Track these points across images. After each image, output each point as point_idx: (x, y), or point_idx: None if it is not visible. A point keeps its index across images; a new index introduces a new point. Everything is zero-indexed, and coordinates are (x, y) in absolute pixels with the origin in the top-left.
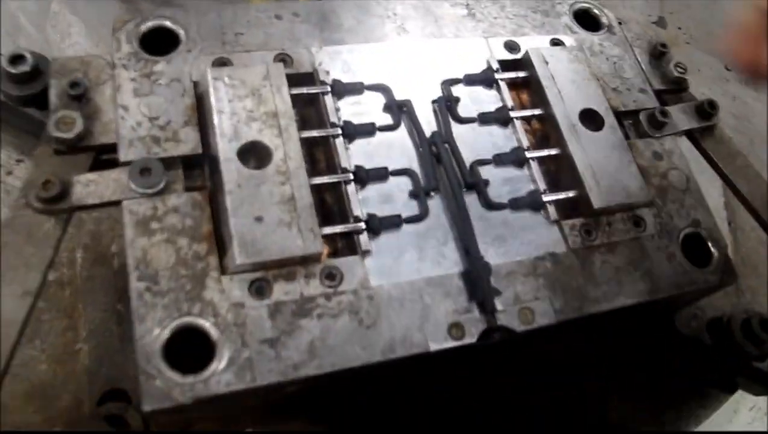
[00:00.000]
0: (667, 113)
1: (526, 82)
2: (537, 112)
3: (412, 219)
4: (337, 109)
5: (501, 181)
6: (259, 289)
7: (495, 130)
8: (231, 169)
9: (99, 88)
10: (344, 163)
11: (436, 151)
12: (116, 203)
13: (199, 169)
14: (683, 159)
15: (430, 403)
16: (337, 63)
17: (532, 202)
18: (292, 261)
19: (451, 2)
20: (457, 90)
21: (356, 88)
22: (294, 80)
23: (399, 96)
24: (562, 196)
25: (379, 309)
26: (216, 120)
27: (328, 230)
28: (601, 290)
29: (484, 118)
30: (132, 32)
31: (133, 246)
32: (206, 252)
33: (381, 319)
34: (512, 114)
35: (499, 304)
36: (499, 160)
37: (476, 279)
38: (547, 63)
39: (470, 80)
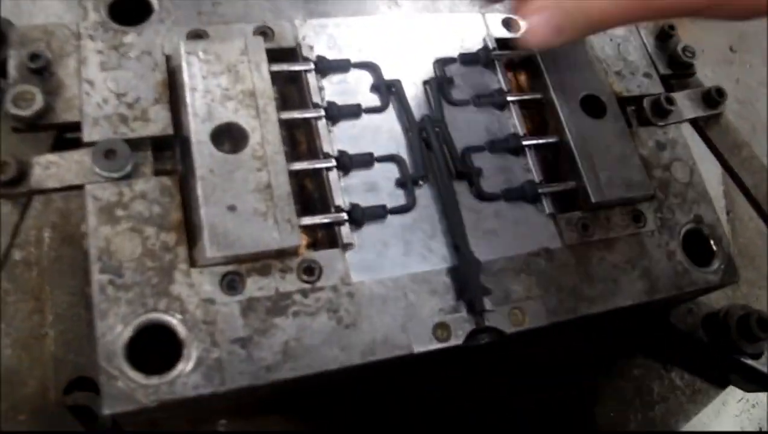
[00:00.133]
0: (673, 100)
1: (524, 63)
2: (536, 96)
3: (398, 210)
4: (321, 89)
5: (494, 170)
6: (231, 284)
7: (489, 114)
8: (203, 152)
9: (63, 60)
10: (326, 148)
11: (426, 136)
12: (79, 187)
13: (170, 150)
14: (687, 149)
15: (417, 402)
16: (322, 37)
17: (526, 194)
18: (267, 254)
19: None
20: (451, 70)
21: (342, 66)
22: (275, 55)
23: (388, 75)
24: (559, 187)
25: (359, 307)
26: (188, 98)
27: (308, 220)
28: (597, 290)
29: (479, 102)
30: None
31: (96, 235)
32: (175, 242)
33: (361, 318)
34: (509, 97)
35: (488, 304)
36: (492, 146)
37: (465, 276)
38: None
39: (465, 60)
